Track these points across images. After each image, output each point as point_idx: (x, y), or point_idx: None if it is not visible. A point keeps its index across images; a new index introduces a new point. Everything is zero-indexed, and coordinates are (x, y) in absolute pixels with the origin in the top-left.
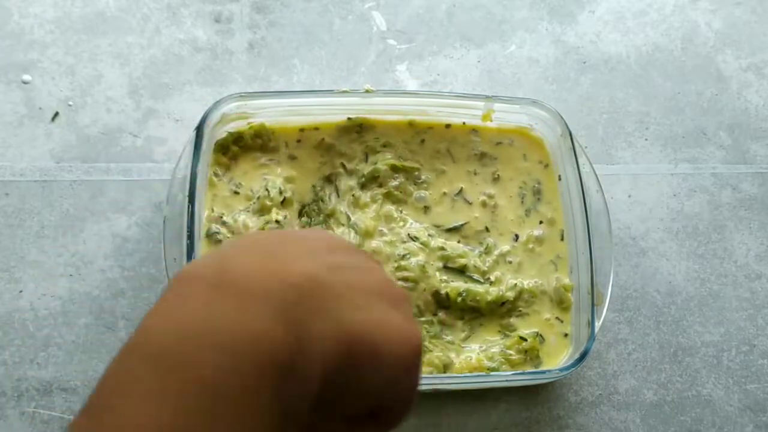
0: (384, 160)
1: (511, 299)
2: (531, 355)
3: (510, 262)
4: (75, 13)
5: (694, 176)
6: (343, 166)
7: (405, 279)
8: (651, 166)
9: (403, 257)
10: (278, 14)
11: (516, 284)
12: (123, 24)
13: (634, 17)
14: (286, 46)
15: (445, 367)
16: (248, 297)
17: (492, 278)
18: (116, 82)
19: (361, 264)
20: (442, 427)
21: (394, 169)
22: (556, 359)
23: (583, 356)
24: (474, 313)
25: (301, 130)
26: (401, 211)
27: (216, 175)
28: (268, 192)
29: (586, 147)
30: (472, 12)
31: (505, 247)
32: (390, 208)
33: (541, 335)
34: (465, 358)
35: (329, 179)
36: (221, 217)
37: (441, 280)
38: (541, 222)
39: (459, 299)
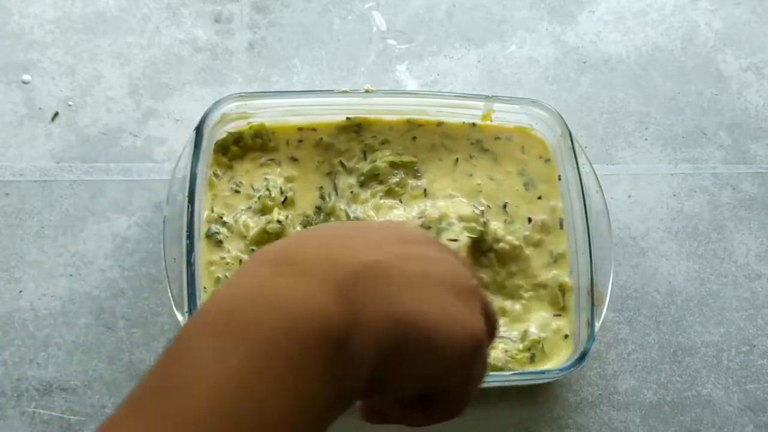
0: (383, 158)
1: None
2: (534, 351)
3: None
4: (75, 13)
5: (694, 176)
6: (342, 164)
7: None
8: (651, 166)
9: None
10: (278, 14)
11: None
12: (123, 24)
13: (634, 17)
14: (286, 46)
15: None
16: (309, 276)
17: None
18: (116, 82)
19: (431, 254)
20: (441, 427)
21: (394, 165)
22: (556, 359)
23: (582, 356)
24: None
25: (300, 129)
26: (400, 201)
27: (216, 175)
28: (270, 192)
29: (586, 147)
30: (472, 12)
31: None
32: (390, 201)
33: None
34: None
35: (328, 178)
36: (221, 218)
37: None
38: (539, 198)
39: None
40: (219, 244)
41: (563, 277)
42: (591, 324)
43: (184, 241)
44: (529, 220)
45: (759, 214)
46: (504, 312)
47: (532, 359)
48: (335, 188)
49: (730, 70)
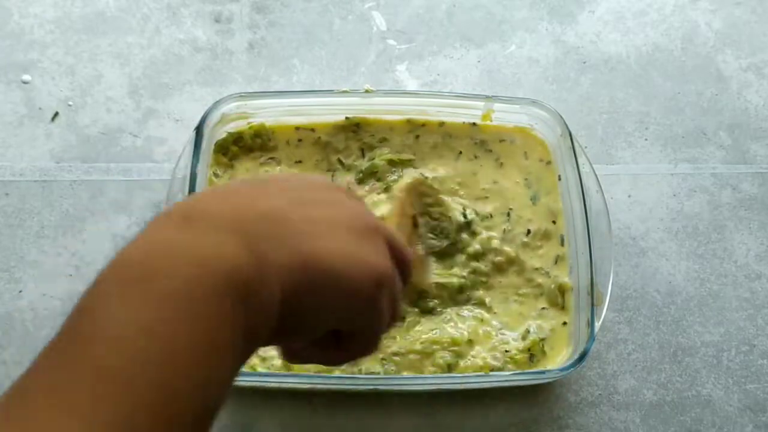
0: (381, 155)
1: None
2: (534, 351)
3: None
4: (75, 13)
5: (694, 176)
6: (341, 162)
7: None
8: (651, 166)
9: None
10: (278, 14)
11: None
12: (123, 24)
13: (634, 17)
14: (286, 46)
15: (450, 367)
16: (215, 228)
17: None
18: (116, 82)
19: (335, 199)
20: (442, 427)
21: (392, 163)
22: (556, 359)
23: (582, 356)
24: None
25: (297, 128)
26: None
27: (216, 175)
28: None
29: (585, 147)
30: (472, 12)
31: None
32: (387, 196)
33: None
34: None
35: (326, 175)
36: None
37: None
38: (541, 204)
39: None
40: None
41: (563, 277)
42: (591, 324)
43: None
44: (528, 231)
45: (759, 214)
46: (504, 312)
47: (531, 359)
48: None
49: (730, 70)
